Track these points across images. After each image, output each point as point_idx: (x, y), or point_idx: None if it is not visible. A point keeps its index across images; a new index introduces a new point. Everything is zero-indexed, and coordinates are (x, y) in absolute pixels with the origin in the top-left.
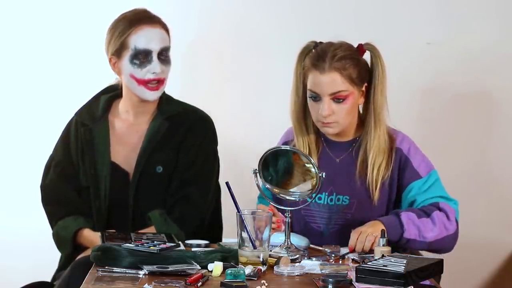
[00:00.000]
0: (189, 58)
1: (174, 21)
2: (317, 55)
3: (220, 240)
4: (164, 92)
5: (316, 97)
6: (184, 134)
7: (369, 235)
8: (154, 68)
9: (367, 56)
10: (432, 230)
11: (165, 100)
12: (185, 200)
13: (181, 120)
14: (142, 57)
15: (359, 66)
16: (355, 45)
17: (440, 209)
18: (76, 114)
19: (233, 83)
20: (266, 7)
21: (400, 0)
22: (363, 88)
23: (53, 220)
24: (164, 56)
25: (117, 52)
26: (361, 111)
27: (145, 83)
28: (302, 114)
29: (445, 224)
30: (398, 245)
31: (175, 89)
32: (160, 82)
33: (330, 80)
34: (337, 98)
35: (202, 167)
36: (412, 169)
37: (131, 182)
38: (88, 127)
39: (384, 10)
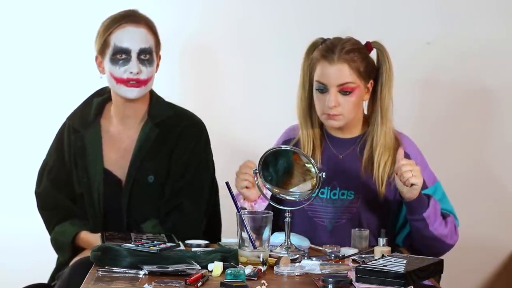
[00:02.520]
0: (189, 58)
1: (175, 21)
2: (326, 47)
3: (220, 240)
4: (153, 93)
5: (323, 89)
6: (175, 140)
7: (413, 171)
8: (131, 67)
9: (372, 56)
10: (442, 230)
11: (155, 103)
12: (178, 210)
13: (172, 125)
14: (120, 55)
15: (366, 60)
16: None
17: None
18: (68, 118)
19: (233, 83)
20: (266, 7)
21: None
22: (369, 85)
23: (50, 225)
24: (144, 56)
25: (101, 51)
26: (365, 111)
27: (123, 81)
28: (308, 110)
29: (452, 233)
30: (411, 218)
31: (175, 89)
32: (140, 82)
33: (339, 71)
34: (344, 90)
35: (195, 176)
36: None
37: (124, 190)
38: (80, 133)
39: (383, 8)
